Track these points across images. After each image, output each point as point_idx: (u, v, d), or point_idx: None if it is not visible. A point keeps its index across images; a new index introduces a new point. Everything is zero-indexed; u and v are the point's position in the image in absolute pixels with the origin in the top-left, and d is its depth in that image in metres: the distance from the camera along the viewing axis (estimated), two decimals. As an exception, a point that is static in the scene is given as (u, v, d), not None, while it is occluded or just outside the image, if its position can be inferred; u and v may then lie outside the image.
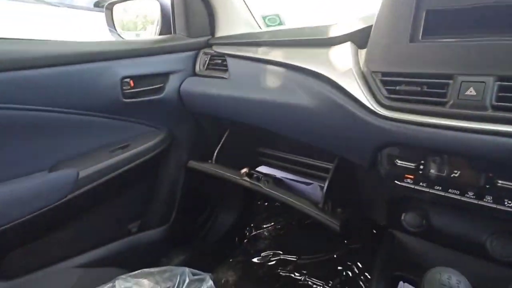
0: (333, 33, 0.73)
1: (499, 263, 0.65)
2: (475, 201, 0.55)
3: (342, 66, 0.68)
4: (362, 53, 0.67)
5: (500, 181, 0.51)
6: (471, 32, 0.55)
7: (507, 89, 0.49)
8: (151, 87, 0.97)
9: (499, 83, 0.50)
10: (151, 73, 0.97)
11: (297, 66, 0.75)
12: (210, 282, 0.62)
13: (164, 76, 0.99)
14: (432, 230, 0.71)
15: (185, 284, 0.62)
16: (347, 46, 0.70)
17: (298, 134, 0.78)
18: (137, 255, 1.06)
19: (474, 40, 0.54)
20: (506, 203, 0.52)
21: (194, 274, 0.65)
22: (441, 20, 0.59)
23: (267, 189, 0.84)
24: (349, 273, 1.07)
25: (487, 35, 0.53)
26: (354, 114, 0.63)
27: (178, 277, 0.64)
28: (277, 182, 0.86)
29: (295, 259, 1.17)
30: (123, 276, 0.66)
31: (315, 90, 0.71)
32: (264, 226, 1.33)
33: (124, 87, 0.91)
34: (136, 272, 0.67)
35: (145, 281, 0.64)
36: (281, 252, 1.21)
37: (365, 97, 0.61)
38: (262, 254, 1.22)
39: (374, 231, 1.09)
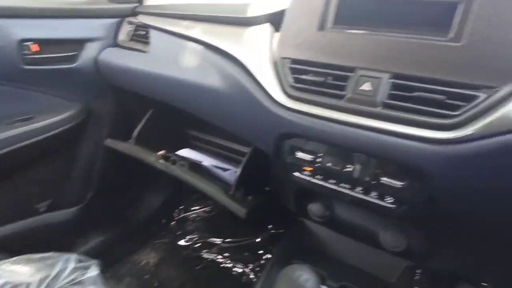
0: (252, 12, 0.69)
1: (390, 252, 0.68)
2: (362, 196, 0.56)
3: (256, 49, 0.64)
4: (277, 36, 0.64)
5: (383, 178, 0.52)
6: (381, 26, 0.53)
7: (398, 87, 0.48)
8: (61, 55, 0.87)
9: (392, 80, 0.49)
10: (62, 38, 0.86)
11: (213, 46, 0.70)
12: (96, 271, 0.59)
13: (78, 43, 0.89)
14: (335, 220, 0.73)
15: (67, 271, 0.58)
16: (265, 28, 0.66)
17: (211, 117, 0.75)
18: (47, 237, 0.98)
19: (380, 34, 0.52)
20: (386, 199, 0.53)
21: (80, 261, 0.61)
22: (353, 10, 0.57)
23: (180, 173, 0.80)
24: (269, 257, 1.10)
25: (393, 30, 0.52)
26: (258, 101, 0.60)
27: (61, 264, 0.59)
28: (193, 166, 0.83)
29: (219, 242, 1.17)
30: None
31: (227, 72, 0.67)
32: (193, 208, 1.30)
33: (24, 52, 0.80)
34: (15, 258, 0.61)
35: (23, 268, 0.59)
36: (207, 235, 1.20)
37: (271, 84, 0.59)
38: (188, 236, 1.21)
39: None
